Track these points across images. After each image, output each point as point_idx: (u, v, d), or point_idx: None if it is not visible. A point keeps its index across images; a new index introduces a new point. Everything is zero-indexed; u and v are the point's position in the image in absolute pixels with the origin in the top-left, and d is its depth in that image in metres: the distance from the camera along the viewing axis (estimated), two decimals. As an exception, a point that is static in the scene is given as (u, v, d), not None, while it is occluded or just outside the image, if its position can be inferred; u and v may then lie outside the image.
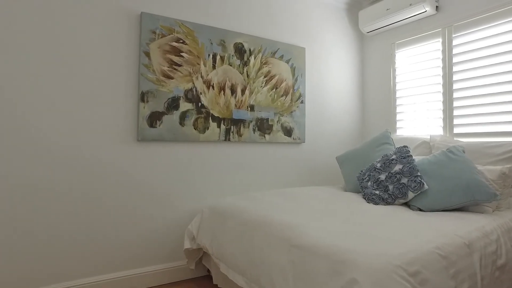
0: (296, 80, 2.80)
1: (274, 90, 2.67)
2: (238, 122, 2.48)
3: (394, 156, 2.11)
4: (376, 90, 3.20)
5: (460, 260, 1.30)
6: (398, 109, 2.99)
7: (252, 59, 2.56)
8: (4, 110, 1.77)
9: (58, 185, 1.90)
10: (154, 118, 2.15)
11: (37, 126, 1.85)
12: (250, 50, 2.56)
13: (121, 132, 2.09)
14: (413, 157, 2.08)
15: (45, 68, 1.87)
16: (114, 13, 2.07)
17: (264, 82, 2.62)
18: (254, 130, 2.56)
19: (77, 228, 1.94)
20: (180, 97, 2.25)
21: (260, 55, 2.61)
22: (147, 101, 2.13)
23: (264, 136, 2.61)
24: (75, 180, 1.94)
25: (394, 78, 3.02)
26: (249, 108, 2.54)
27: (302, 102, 2.82)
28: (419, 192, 1.91)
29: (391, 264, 1.09)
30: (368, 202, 2.04)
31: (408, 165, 2.00)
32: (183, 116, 2.26)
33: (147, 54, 2.14)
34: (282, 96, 2.71)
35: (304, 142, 2.84)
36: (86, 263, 1.97)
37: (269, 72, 2.65)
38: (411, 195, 1.93)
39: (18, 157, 1.80)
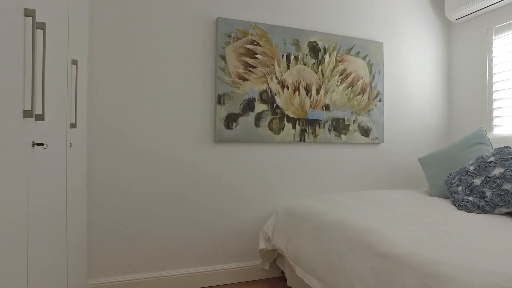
0: (373, 77, 2.64)
1: (350, 88, 2.55)
2: (313, 123, 2.43)
3: (492, 158, 1.86)
4: (466, 84, 2.86)
5: None
6: (495, 104, 2.63)
7: (326, 57, 2.48)
8: (97, 113, 1.98)
9: (144, 186, 2.05)
10: (230, 120, 2.21)
11: (125, 130, 2.03)
12: (324, 48, 2.48)
13: (200, 134, 2.19)
14: (517, 160, 1.81)
15: (131, 76, 2.05)
16: (192, 20, 2.18)
17: (340, 81, 2.52)
18: (329, 130, 2.48)
19: (160, 225, 2.08)
20: (255, 98, 2.28)
21: (335, 52, 2.51)
22: (224, 103, 2.20)
23: (340, 137, 2.51)
24: (159, 180, 2.09)
25: (491, 68, 2.66)
26: (324, 108, 2.46)
27: (380, 100, 2.66)
28: (527, 200, 1.65)
29: (499, 284, 0.94)
30: (459, 209, 1.84)
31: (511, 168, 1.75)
32: (258, 117, 2.28)
33: (223, 58, 2.20)
34: (358, 94, 2.58)
35: (382, 142, 2.67)
36: (165, 257, 2.10)
37: (344, 70, 2.54)
38: (515, 203, 1.68)
39: (112, 163, 1.99)
